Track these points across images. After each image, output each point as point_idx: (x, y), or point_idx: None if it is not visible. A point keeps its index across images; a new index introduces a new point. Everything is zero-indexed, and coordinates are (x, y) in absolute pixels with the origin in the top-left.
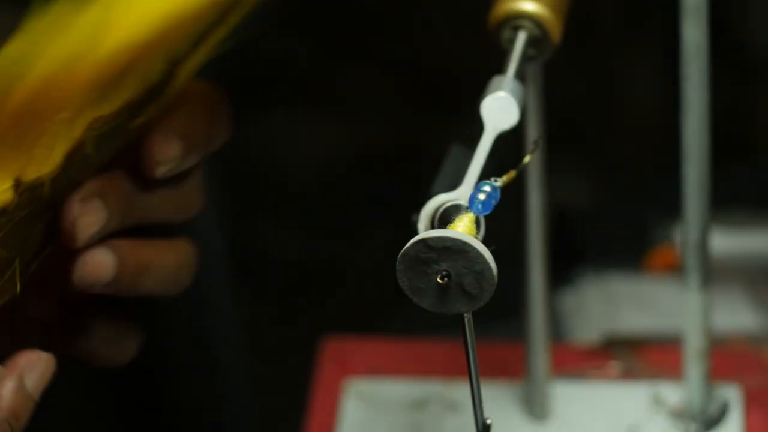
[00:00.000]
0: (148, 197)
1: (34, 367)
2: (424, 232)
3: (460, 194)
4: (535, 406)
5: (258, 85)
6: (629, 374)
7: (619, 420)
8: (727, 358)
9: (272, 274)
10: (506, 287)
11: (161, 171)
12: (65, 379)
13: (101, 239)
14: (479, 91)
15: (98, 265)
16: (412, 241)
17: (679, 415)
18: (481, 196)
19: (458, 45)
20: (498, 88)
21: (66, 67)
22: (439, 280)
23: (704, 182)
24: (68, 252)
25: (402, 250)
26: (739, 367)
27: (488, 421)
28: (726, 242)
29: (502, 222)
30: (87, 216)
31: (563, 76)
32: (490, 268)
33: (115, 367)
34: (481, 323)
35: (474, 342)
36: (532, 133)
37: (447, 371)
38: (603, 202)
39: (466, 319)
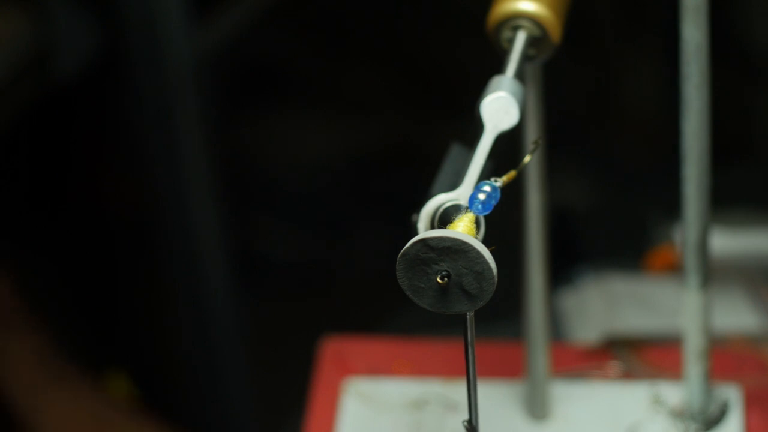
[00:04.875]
0: None
1: None
2: (424, 232)
3: (460, 194)
4: (535, 406)
5: (258, 86)
6: (629, 374)
7: (619, 420)
8: (727, 358)
9: (272, 275)
10: (506, 287)
11: None
12: None
13: None
14: (479, 91)
15: None
16: (412, 241)
17: (679, 415)
18: (481, 196)
19: (458, 45)
20: (498, 88)
21: None
22: (439, 280)
23: (704, 182)
24: None
25: (402, 250)
26: (739, 367)
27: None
28: (726, 242)
29: (502, 222)
30: None
31: (563, 76)
32: (490, 268)
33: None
34: (481, 323)
35: (474, 342)
36: (532, 133)
37: (446, 371)
38: (603, 202)
39: (467, 319)
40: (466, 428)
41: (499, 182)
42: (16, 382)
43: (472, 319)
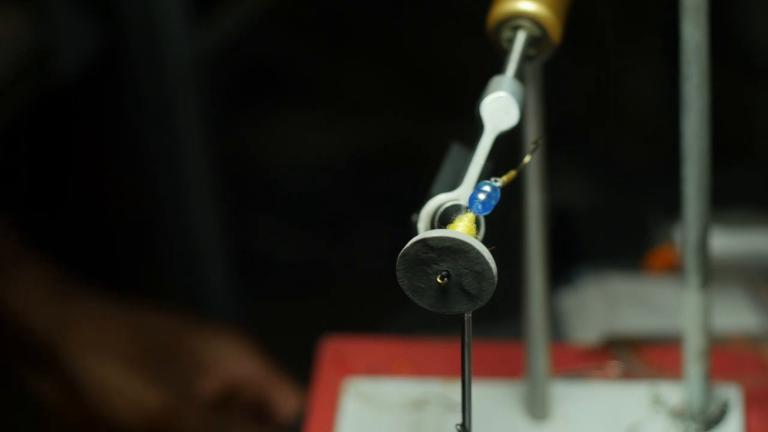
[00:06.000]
0: None
1: None
2: (424, 232)
3: (460, 194)
4: (535, 406)
5: (258, 86)
6: (629, 374)
7: (619, 420)
8: (727, 358)
9: (272, 275)
10: (506, 287)
11: None
12: None
13: None
14: (479, 91)
15: None
16: (412, 241)
17: (679, 415)
18: (481, 196)
19: (458, 45)
20: (498, 88)
21: None
22: (439, 280)
23: (704, 182)
24: None
25: (402, 250)
26: (739, 367)
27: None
28: (726, 242)
29: (502, 222)
30: None
31: (563, 76)
32: (490, 268)
33: None
34: (481, 323)
35: (470, 343)
36: (532, 133)
37: (446, 371)
38: (603, 202)
39: (465, 320)
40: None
41: (499, 182)
42: (34, 308)
43: (470, 321)
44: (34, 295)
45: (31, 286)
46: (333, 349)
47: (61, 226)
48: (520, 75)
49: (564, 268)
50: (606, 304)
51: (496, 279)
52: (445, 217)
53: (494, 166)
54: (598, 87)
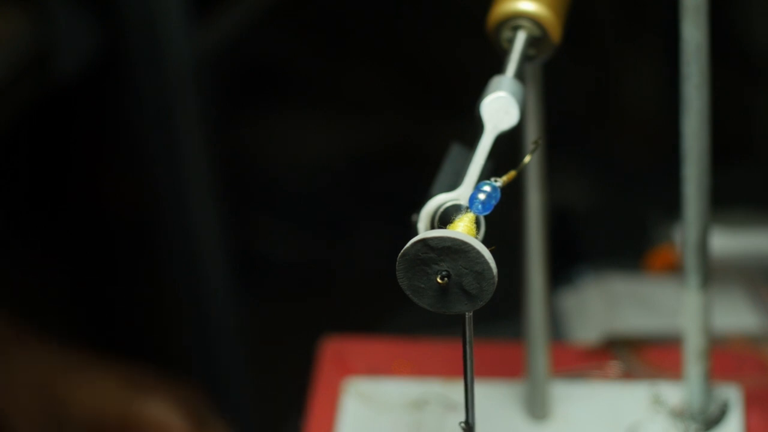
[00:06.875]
0: None
1: None
2: (424, 232)
3: (460, 194)
4: (535, 406)
5: (258, 86)
6: (629, 374)
7: (619, 420)
8: (727, 358)
9: (272, 275)
10: (506, 287)
11: None
12: None
13: None
14: (479, 91)
15: None
16: (412, 241)
17: (679, 415)
18: (481, 196)
19: (458, 45)
20: (498, 88)
21: None
22: (439, 280)
23: (704, 182)
24: None
25: (402, 250)
26: (739, 367)
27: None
28: (726, 242)
29: (502, 222)
30: None
31: (563, 76)
32: (490, 268)
33: None
34: (481, 323)
35: (472, 342)
36: (532, 133)
37: (446, 371)
38: (603, 202)
39: (466, 319)
40: (464, 429)
41: (499, 182)
42: None
43: (471, 319)
44: None
45: None
46: (333, 349)
47: (61, 226)
48: (520, 75)
49: (564, 268)
50: (606, 304)
51: (496, 279)
52: (445, 217)
53: (494, 166)
54: (598, 87)
